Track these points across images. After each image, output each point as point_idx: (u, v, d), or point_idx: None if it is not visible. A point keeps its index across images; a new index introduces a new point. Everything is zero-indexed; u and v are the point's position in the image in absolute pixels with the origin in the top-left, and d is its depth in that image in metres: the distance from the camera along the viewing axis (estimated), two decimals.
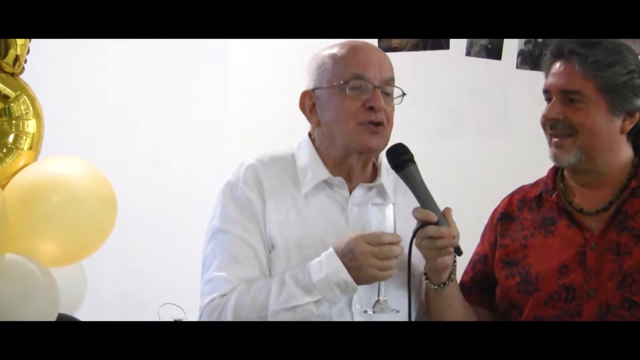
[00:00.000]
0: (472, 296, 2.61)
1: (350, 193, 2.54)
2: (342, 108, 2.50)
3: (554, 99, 2.50)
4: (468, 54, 4.02)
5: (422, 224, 2.42)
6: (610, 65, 2.45)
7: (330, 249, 2.40)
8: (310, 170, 2.55)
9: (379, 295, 2.41)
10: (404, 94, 2.55)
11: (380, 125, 2.50)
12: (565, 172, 2.58)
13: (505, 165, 3.88)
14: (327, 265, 2.38)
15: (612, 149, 2.50)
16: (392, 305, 2.41)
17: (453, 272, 2.49)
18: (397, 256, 2.37)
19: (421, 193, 2.46)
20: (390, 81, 2.54)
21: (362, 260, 2.35)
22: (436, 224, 2.42)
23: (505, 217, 2.63)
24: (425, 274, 2.50)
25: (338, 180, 2.53)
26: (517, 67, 4.00)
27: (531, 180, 2.68)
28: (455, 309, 2.53)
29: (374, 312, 2.41)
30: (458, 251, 2.46)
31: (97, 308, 3.34)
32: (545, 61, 2.56)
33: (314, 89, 2.56)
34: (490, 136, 4.06)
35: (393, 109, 2.55)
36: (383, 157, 2.59)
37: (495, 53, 4.00)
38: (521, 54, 4.00)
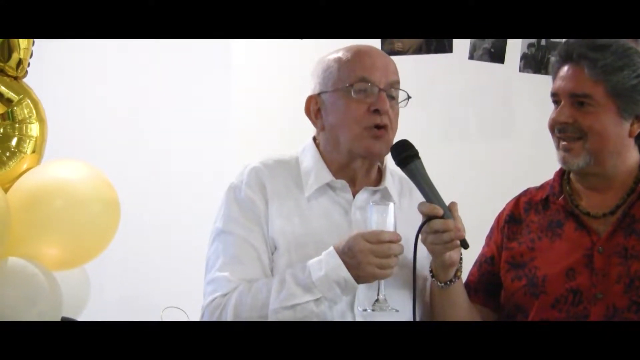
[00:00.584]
0: (478, 297, 2.61)
1: (354, 197, 2.54)
2: (347, 111, 2.50)
3: (562, 103, 2.50)
4: (471, 57, 4.01)
5: (428, 218, 2.41)
6: (620, 69, 2.45)
7: (331, 248, 2.40)
8: (313, 173, 2.55)
9: (378, 294, 2.40)
10: (409, 97, 2.55)
11: (384, 128, 2.49)
12: (571, 175, 2.59)
13: (508, 168, 3.89)
14: (327, 263, 2.38)
15: (620, 152, 2.50)
16: (393, 305, 2.40)
17: (459, 269, 2.49)
18: (396, 254, 2.37)
19: (426, 188, 2.45)
20: (395, 84, 2.54)
21: (362, 258, 2.35)
22: (442, 217, 2.41)
23: (512, 219, 2.63)
24: (431, 271, 2.49)
25: (341, 183, 2.53)
26: (520, 70, 4.00)
27: (534, 183, 2.68)
28: (460, 308, 2.52)
29: (372, 310, 2.41)
30: (464, 244, 2.44)
31: (100, 311, 3.33)
32: (553, 64, 2.56)
33: (319, 93, 2.56)
34: (493, 139, 4.06)
35: (397, 113, 2.54)
36: (388, 161, 2.58)
37: (498, 56, 4.00)
38: (524, 57, 3.99)
